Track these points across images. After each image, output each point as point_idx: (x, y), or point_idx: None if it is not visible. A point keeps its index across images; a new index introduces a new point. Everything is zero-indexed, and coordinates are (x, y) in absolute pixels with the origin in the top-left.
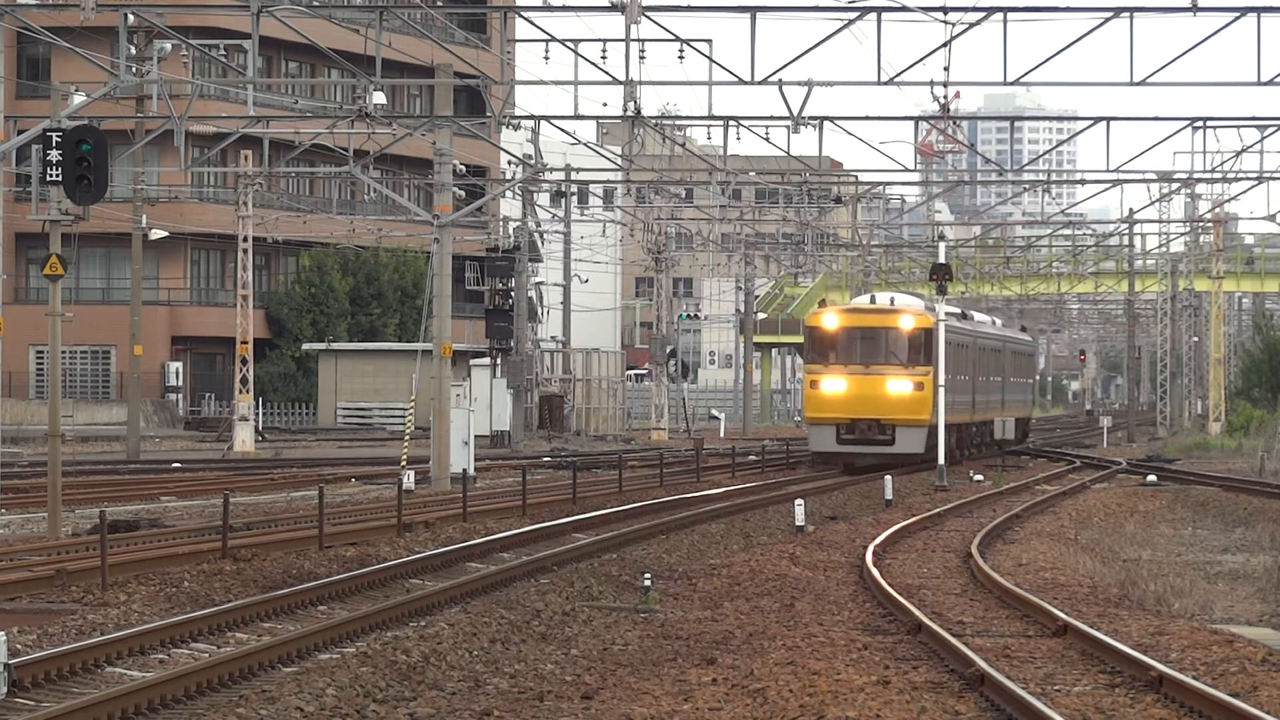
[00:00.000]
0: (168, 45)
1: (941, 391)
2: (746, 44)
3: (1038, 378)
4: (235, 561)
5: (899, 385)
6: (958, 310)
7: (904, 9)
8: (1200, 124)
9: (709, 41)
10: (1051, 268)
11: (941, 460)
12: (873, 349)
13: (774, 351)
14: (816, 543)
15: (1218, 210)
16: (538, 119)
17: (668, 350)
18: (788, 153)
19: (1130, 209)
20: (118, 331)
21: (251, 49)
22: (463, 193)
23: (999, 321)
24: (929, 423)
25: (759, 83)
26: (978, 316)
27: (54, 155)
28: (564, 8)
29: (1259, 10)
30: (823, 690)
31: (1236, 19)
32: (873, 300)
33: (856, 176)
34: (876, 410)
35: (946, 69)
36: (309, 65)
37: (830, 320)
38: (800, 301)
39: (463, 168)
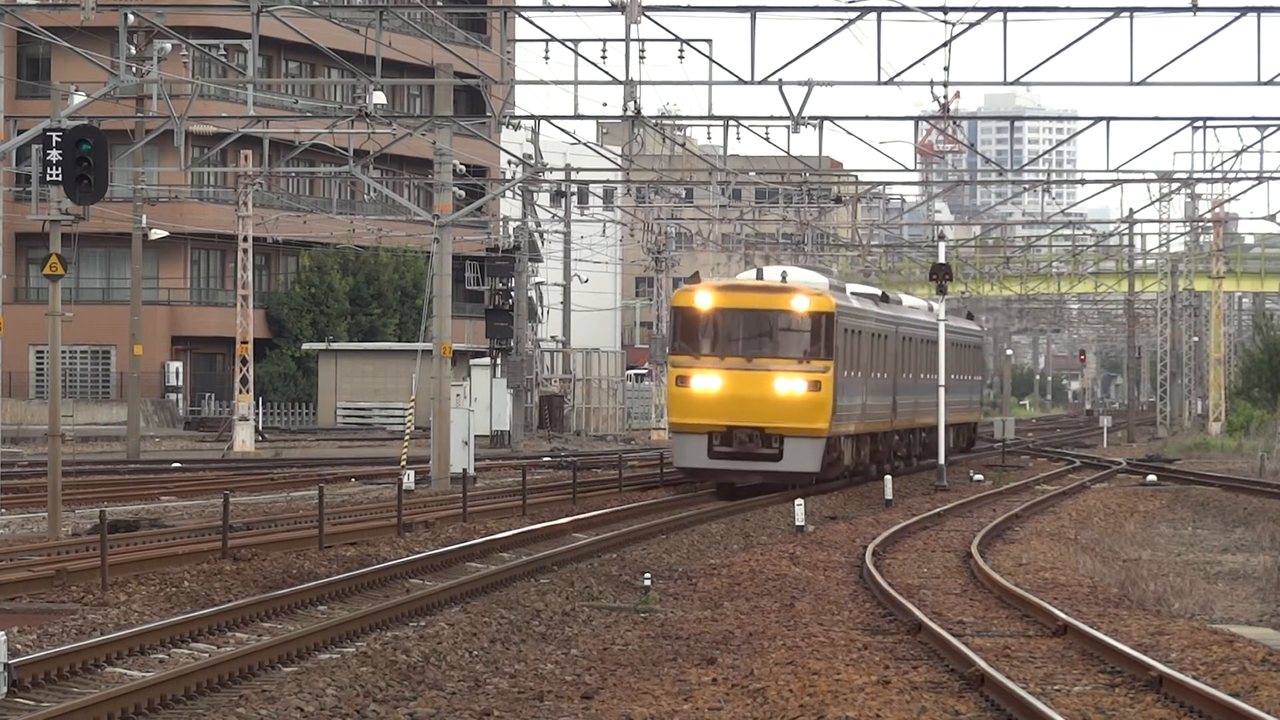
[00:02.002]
0: (168, 45)
1: (942, 392)
2: (746, 44)
3: (985, 375)
4: (235, 561)
5: (789, 384)
6: (875, 291)
7: (904, 9)
8: (1200, 124)
9: (709, 41)
10: (1051, 268)
11: (942, 460)
12: (757, 337)
13: None
14: (816, 543)
15: (1218, 210)
16: (538, 119)
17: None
18: (788, 153)
19: (1130, 209)
20: (118, 331)
21: (251, 49)
22: (463, 193)
23: (940, 307)
24: (827, 432)
25: (759, 83)
26: (908, 300)
27: (54, 155)
28: (564, 8)
29: (1259, 10)
30: (823, 690)
31: (1236, 19)
32: (759, 275)
33: (856, 176)
34: (760, 416)
35: (946, 69)
36: (309, 65)
37: (703, 299)
38: None
39: (463, 168)
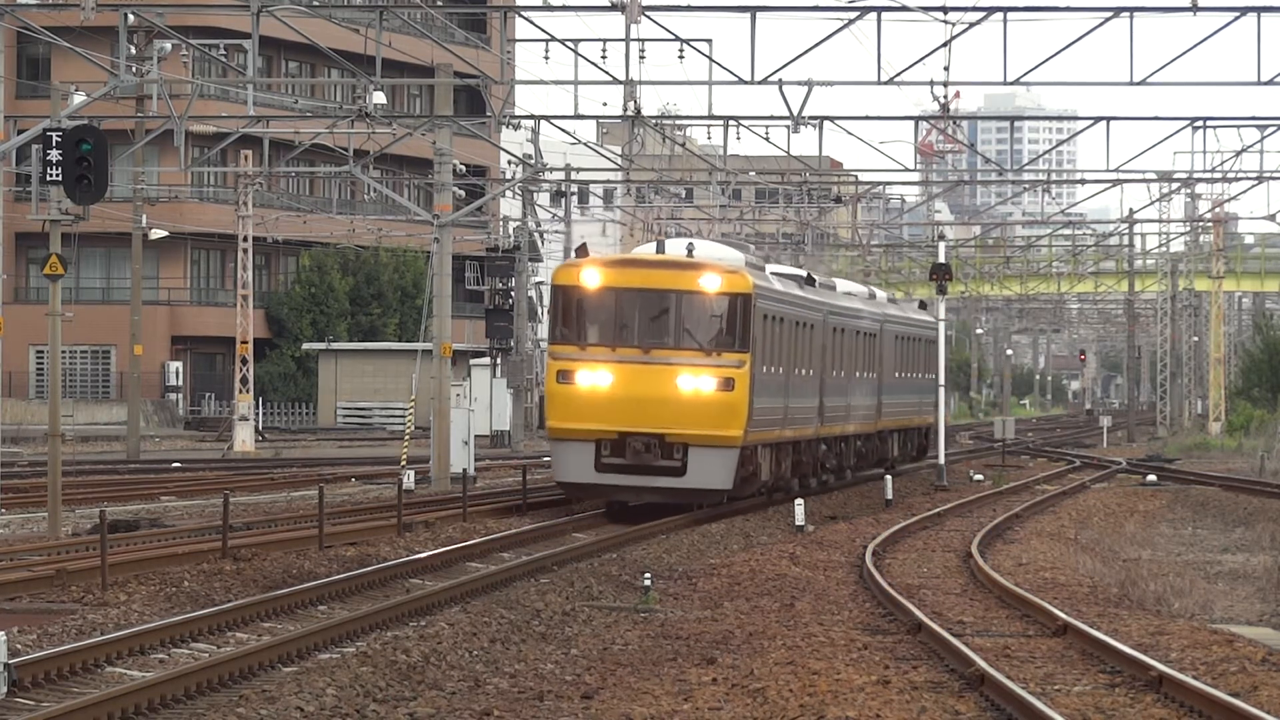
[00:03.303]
0: (168, 45)
1: (942, 392)
2: (746, 44)
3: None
4: (235, 561)
5: (695, 381)
6: (800, 272)
7: (904, 9)
8: (1200, 124)
9: (709, 41)
10: (1051, 268)
11: (942, 460)
12: (656, 324)
13: None
14: (816, 542)
15: (1218, 210)
16: (538, 119)
17: None
18: (788, 153)
19: (1130, 209)
20: (118, 331)
21: (251, 49)
22: (463, 193)
23: (883, 294)
24: (742, 441)
25: (759, 83)
26: (843, 285)
27: (54, 155)
28: (564, 8)
29: (1259, 10)
30: (823, 690)
31: (1236, 19)
32: (660, 248)
33: (856, 176)
34: (659, 420)
35: (946, 69)
36: (309, 65)
37: (590, 277)
38: None
39: (463, 168)
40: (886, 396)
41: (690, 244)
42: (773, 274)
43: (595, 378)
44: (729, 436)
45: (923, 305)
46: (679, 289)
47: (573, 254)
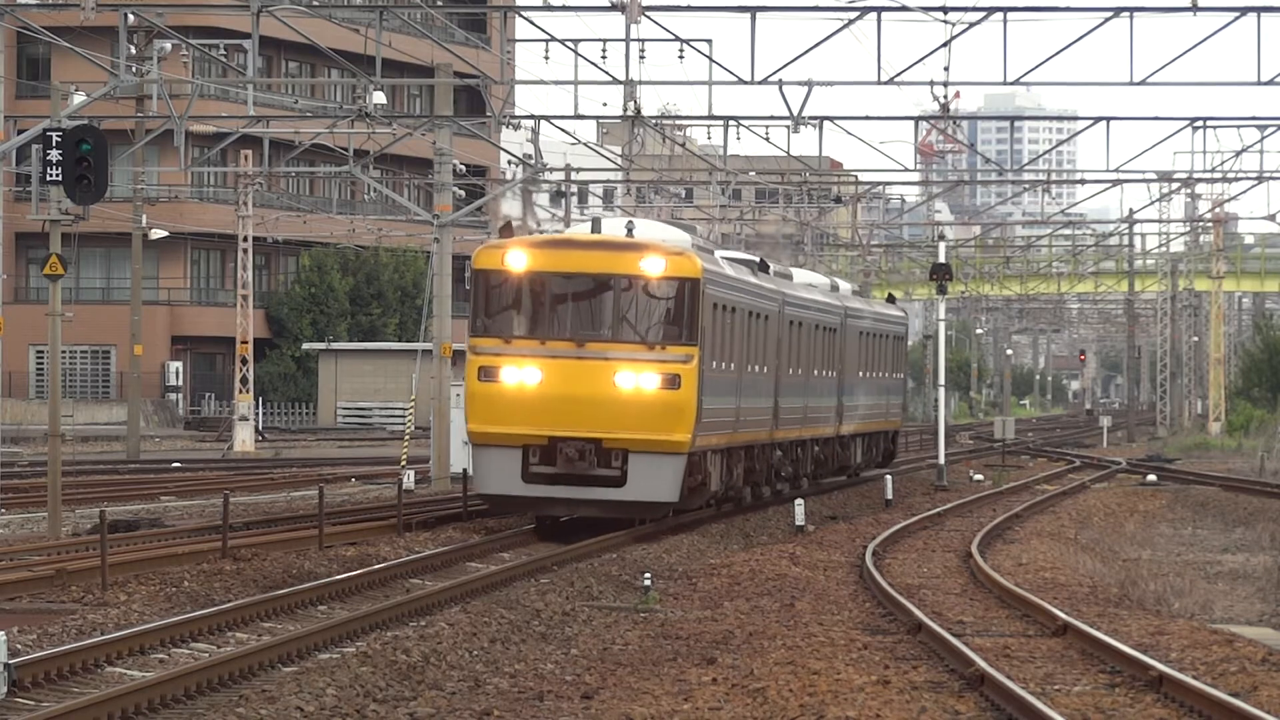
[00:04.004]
0: (168, 45)
1: (942, 391)
2: (746, 44)
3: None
4: (235, 561)
5: (637, 379)
6: (752, 258)
7: (904, 9)
8: (1200, 124)
9: (709, 41)
10: (1051, 268)
11: (941, 460)
12: (591, 313)
13: None
14: (816, 542)
15: (1218, 210)
16: (538, 119)
17: None
18: (788, 153)
19: (1130, 209)
20: (118, 331)
21: (251, 49)
22: (463, 193)
23: (847, 285)
24: (690, 446)
25: (759, 83)
26: (802, 275)
27: (54, 155)
28: (564, 8)
29: (1259, 10)
30: (823, 690)
31: (1236, 19)
32: (595, 228)
33: (856, 176)
34: (596, 423)
35: (946, 69)
36: (309, 65)
37: (516, 259)
38: None
39: (463, 168)
40: (849, 398)
41: (630, 222)
42: (723, 259)
43: (522, 375)
44: (675, 441)
45: (891, 299)
46: (617, 273)
47: (496, 233)
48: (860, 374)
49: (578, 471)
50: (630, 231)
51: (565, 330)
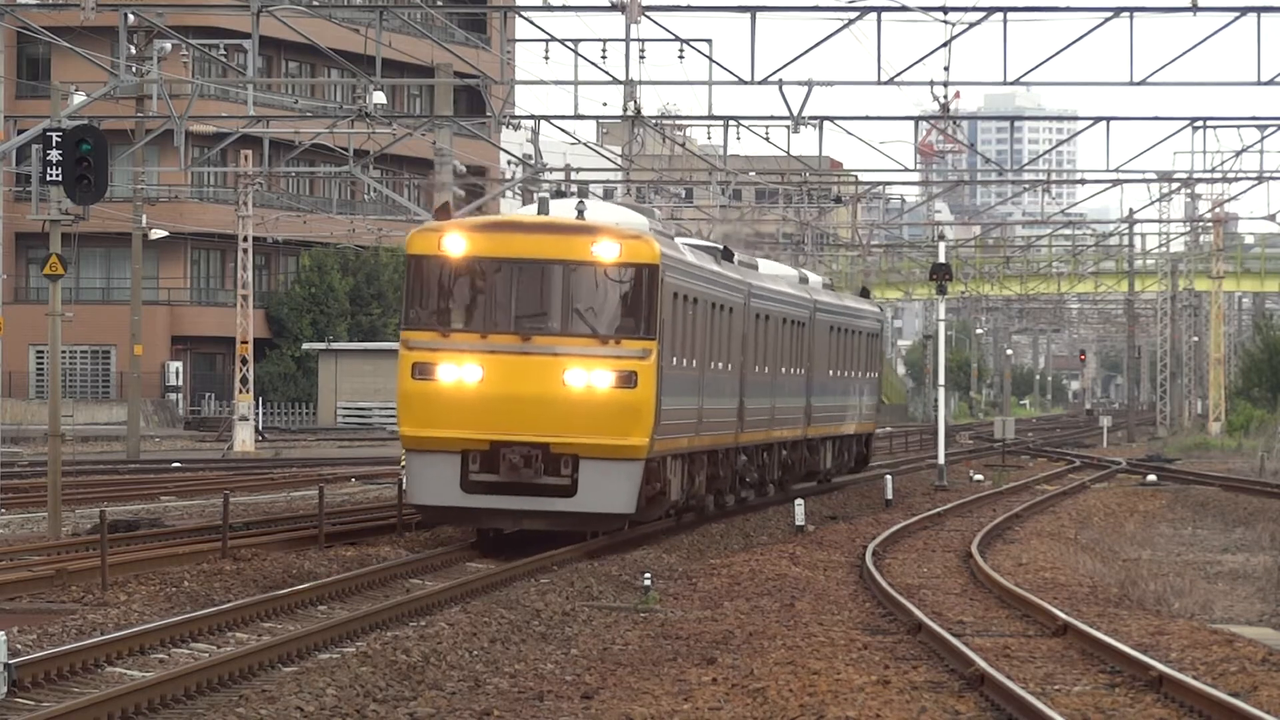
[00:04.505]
0: (168, 45)
1: (942, 391)
2: (746, 44)
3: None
4: (235, 561)
5: (589, 376)
6: (715, 245)
7: (904, 9)
8: (1200, 124)
9: (709, 41)
10: (1051, 268)
11: (941, 459)
12: (538, 303)
13: None
14: (816, 542)
15: (1218, 210)
16: (538, 119)
17: None
18: (788, 153)
19: (1130, 209)
20: (118, 331)
21: (251, 49)
22: (463, 193)
23: (818, 278)
24: (648, 452)
25: (759, 83)
26: (768, 266)
27: (54, 155)
28: (564, 8)
29: (1259, 10)
30: (823, 690)
31: (1236, 19)
32: (544, 209)
33: (856, 176)
34: (543, 426)
35: (946, 69)
36: (309, 65)
37: (454, 244)
38: None
39: (463, 168)
40: (818, 398)
41: (581, 203)
42: (684, 245)
43: (460, 372)
44: (630, 446)
45: (865, 293)
46: (567, 259)
47: (432, 215)
48: (830, 373)
49: (522, 480)
50: (581, 213)
51: (509, 322)
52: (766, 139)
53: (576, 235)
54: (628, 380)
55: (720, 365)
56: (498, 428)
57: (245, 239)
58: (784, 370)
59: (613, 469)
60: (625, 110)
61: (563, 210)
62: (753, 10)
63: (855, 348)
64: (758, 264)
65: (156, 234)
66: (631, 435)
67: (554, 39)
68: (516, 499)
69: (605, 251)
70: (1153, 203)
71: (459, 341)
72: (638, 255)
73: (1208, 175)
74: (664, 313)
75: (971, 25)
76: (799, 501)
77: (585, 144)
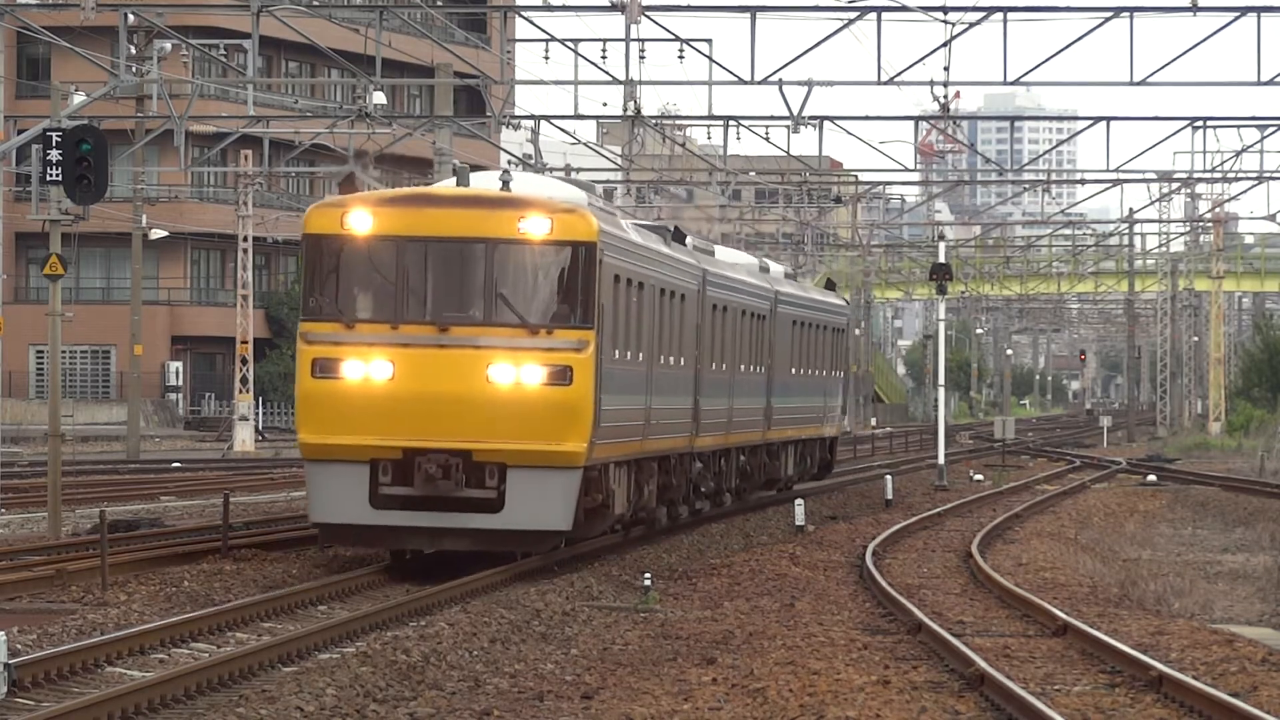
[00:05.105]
0: (168, 45)
1: (942, 391)
2: (746, 44)
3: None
4: (235, 561)
5: (516, 372)
6: (665, 225)
7: (904, 9)
8: (1200, 124)
9: (709, 41)
10: (1051, 268)
11: (941, 459)
12: (458, 289)
13: None
14: (816, 542)
15: (1218, 210)
16: (538, 119)
17: None
18: (788, 153)
19: (1130, 209)
20: (118, 331)
21: (251, 49)
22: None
23: (779, 267)
24: (586, 459)
25: (759, 83)
26: (725, 253)
27: (54, 155)
28: (564, 8)
29: (1259, 10)
30: (823, 690)
31: (1236, 19)
32: (462, 181)
33: (856, 176)
34: (464, 430)
35: (946, 69)
36: (309, 65)
37: (359, 221)
38: None
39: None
40: (779, 399)
41: (505, 173)
42: (630, 225)
43: (368, 369)
44: (566, 452)
45: (830, 285)
46: (491, 237)
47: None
48: (793, 371)
49: (441, 493)
50: (506, 185)
51: (423, 311)
52: (766, 139)
53: (501, 209)
54: (561, 376)
55: (671, 360)
56: (412, 433)
57: (245, 239)
58: (743, 368)
59: (545, 479)
60: (625, 110)
61: (486, 181)
62: (753, 10)
63: (820, 344)
64: (714, 249)
65: (156, 234)
66: (566, 440)
67: (554, 39)
68: (434, 515)
69: (535, 228)
70: (1153, 203)
71: (366, 334)
72: (572, 232)
73: (1208, 175)
74: (604, 298)
75: (971, 25)
76: (799, 501)
77: (585, 144)
